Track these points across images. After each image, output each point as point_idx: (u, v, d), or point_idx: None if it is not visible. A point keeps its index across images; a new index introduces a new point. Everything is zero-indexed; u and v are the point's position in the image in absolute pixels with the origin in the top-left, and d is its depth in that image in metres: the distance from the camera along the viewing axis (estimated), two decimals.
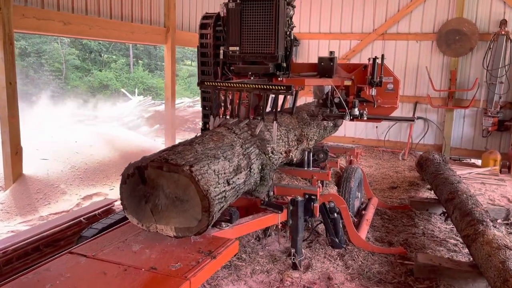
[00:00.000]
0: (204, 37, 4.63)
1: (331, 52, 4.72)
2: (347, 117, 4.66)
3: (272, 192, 3.90)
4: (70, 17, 5.55)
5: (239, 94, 3.50)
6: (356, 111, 4.64)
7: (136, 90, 19.30)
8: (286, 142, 4.28)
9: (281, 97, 3.72)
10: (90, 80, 20.99)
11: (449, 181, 5.22)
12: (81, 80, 20.97)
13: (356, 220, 4.91)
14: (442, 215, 5.08)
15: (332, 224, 4.29)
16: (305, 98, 9.51)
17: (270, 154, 3.79)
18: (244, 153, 3.30)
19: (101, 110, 14.10)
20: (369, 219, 4.87)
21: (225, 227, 3.19)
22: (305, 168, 4.68)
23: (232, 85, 3.41)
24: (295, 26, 4.18)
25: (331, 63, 4.47)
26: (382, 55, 4.83)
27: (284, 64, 3.91)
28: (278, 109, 4.72)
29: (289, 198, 3.90)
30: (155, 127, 12.03)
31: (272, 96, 4.32)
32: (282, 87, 3.22)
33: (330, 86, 4.78)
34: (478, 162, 8.33)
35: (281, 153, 4.12)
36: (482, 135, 8.38)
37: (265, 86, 3.29)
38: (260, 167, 3.52)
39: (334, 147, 6.13)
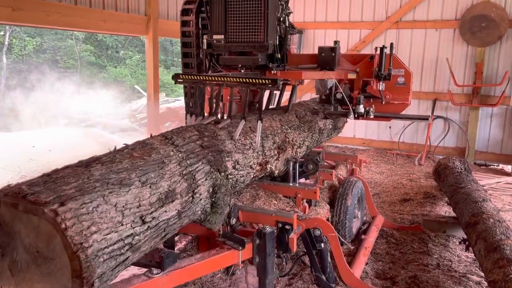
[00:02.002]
0: (186, 24, 4.05)
1: (335, 42, 4.16)
2: (351, 115, 4.06)
3: (234, 220, 3.00)
4: (20, 1, 4.75)
5: (230, 89, 3.11)
6: (361, 109, 4.00)
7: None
8: (261, 152, 3.39)
9: (279, 93, 3.45)
10: (105, 77, 20.71)
11: (471, 199, 4.21)
12: (95, 76, 20.68)
13: (352, 247, 3.97)
14: (462, 243, 4.08)
15: (318, 256, 3.39)
16: (310, 94, 8.67)
17: (231, 170, 2.90)
18: (184, 172, 2.42)
19: (114, 107, 13.66)
20: (369, 247, 3.93)
21: (156, 274, 2.33)
22: (289, 184, 3.78)
23: (210, 79, 2.99)
24: (291, 12, 3.73)
25: (333, 54, 3.93)
26: (391, 44, 4.08)
27: (279, 55, 3.49)
28: (273, 106, 4.15)
29: (259, 226, 3.02)
30: (166, 124, 11.39)
31: (275, 92, 3.90)
32: (267, 81, 2.78)
33: (334, 80, 4.22)
34: (508, 168, 7.27)
35: (251, 167, 3.23)
36: None
37: (246, 80, 2.85)
38: (211, 190, 2.63)
39: (333, 153, 5.20)
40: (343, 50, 7.91)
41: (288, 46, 3.88)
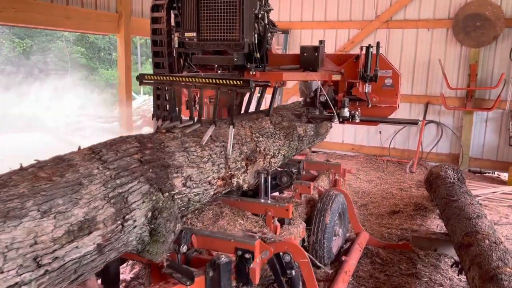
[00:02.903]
0: (157, 21, 3.85)
1: (320, 42, 3.93)
2: (336, 120, 3.87)
3: (185, 247, 2.54)
4: None
5: (199, 91, 2.92)
6: (346, 112, 3.81)
7: (142, 89, 18.35)
8: (224, 165, 2.95)
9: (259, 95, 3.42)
10: (96, 79, 20.36)
11: (464, 214, 3.78)
12: (87, 79, 20.34)
13: (331, 271, 3.52)
14: (453, 266, 3.64)
15: (288, 285, 2.93)
16: (296, 97, 8.23)
17: (180, 189, 2.45)
18: (111, 195, 1.96)
19: (105, 110, 13.34)
20: (349, 271, 3.48)
21: None
22: (260, 200, 3.34)
23: (178, 80, 2.84)
24: (272, 9, 3.49)
25: (316, 54, 3.72)
26: (378, 43, 3.83)
27: (258, 55, 3.27)
28: (248, 109, 3.94)
29: (215, 254, 2.58)
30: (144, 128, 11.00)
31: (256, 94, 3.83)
32: (238, 82, 2.63)
33: (319, 82, 4.04)
34: (504, 176, 6.87)
35: (209, 183, 2.78)
36: (508, 143, 6.99)
37: (216, 81, 2.70)
38: (150, 215, 2.18)
39: (314, 162, 4.76)
40: (330, 50, 7.53)
41: (269, 46, 3.67)
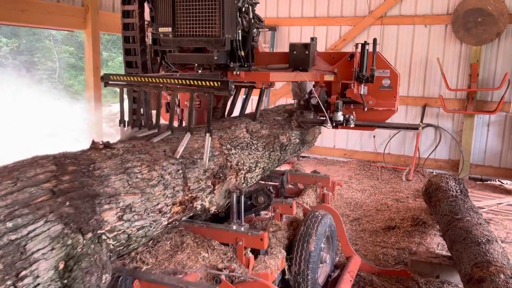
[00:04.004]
0: (128, 15, 3.60)
1: (312, 39, 3.73)
2: (328, 124, 3.57)
3: None
4: None
5: (187, 94, 2.78)
6: (340, 116, 3.53)
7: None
8: (181, 186, 2.41)
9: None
10: (85, 79, 19.84)
11: (472, 238, 3.25)
12: (76, 79, 19.83)
13: None
14: None
15: None
16: (286, 99, 7.76)
17: (114, 225, 1.88)
18: None
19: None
20: None
21: None
22: (230, 226, 2.80)
23: (147, 81, 2.58)
24: (258, 2, 3.31)
25: (306, 52, 3.49)
26: (374, 39, 3.61)
27: (242, 53, 3.08)
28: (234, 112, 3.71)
29: None
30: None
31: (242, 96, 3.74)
32: (215, 83, 2.38)
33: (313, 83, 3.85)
34: (509, 184, 6.39)
35: (160, 211, 2.23)
36: None
37: (190, 82, 2.45)
38: (61, 267, 1.61)
39: (300, 175, 4.20)
40: (320, 49, 7.01)
41: (255, 43, 3.42)
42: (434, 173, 6.95)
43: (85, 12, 5.50)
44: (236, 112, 3.77)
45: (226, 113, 3.74)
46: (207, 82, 2.39)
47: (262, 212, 3.37)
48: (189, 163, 2.52)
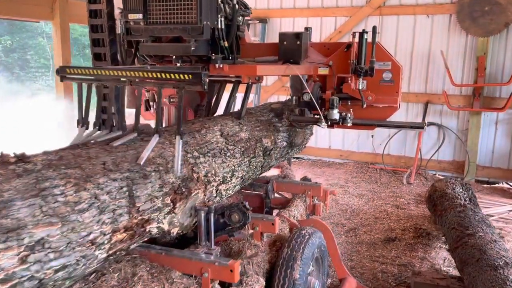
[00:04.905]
0: (95, 1, 3.27)
1: (306, 28, 3.51)
2: (323, 123, 3.25)
3: None
4: None
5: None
6: (335, 114, 3.23)
7: None
8: (125, 208, 1.93)
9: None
10: None
11: (487, 261, 2.76)
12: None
13: None
14: None
15: None
16: (277, 96, 7.34)
17: (11, 270, 1.37)
18: None
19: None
20: None
21: None
22: (195, 253, 2.33)
23: (107, 74, 2.30)
24: None
25: (298, 42, 3.25)
26: (374, 28, 3.26)
27: (225, 43, 2.87)
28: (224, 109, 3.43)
29: None
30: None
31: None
32: (186, 76, 2.09)
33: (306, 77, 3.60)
34: None
35: (92, 243, 1.76)
36: None
37: (158, 75, 2.15)
38: None
39: (287, 183, 3.72)
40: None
41: (241, 33, 3.18)
42: (437, 176, 6.53)
43: (52, 1, 5.02)
44: (221, 110, 3.45)
45: (210, 111, 3.41)
46: (176, 75, 2.13)
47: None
48: (138, 178, 2.02)
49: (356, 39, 3.23)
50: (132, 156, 2.10)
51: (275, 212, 3.60)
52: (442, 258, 3.96)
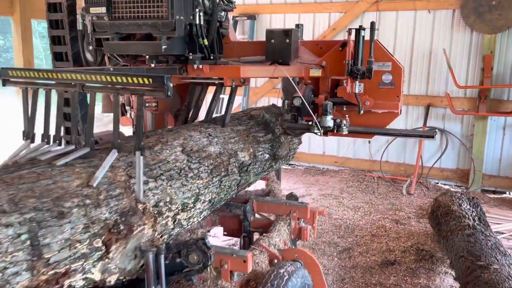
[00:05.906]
0: None
1: (297, 25, 3.43)
2: (316, 130, 3.02)
3: None
4: None
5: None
6: (329, 121, 3.00)
7: None
8: (29, 261, 1.43)
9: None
10: None
11: None
12: None
13: None
14: None
15: None
16: (268, 99, 6.93)
17: None
18: None
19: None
20: None
21: None
22: None
23: (55, 77, 2.01)
24: None
25: (287, 40, 3.08)
26: (372, 24, 3.03)
27: (205, 41, 2.62)
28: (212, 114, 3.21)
29: None
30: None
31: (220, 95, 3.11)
32: (146, 81, 1.84)
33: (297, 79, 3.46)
34: None
35: None
36: None
37: (113, 79, 1.89)
38: None
39: (269, 203, 3.25)
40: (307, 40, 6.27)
41: (224, 30, 3.02)
42: (440, 185, 6.08)
43: None
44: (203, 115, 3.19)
45: (189, 117, 3.14)
46: (134, 79, 1.86)
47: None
48: (49, 219, 1.52)
49: (352, 37, 2.99)
50: (54, 186, 1.61)
51: (255, 236, 3.14)
52: (448, 287, 3.48)
